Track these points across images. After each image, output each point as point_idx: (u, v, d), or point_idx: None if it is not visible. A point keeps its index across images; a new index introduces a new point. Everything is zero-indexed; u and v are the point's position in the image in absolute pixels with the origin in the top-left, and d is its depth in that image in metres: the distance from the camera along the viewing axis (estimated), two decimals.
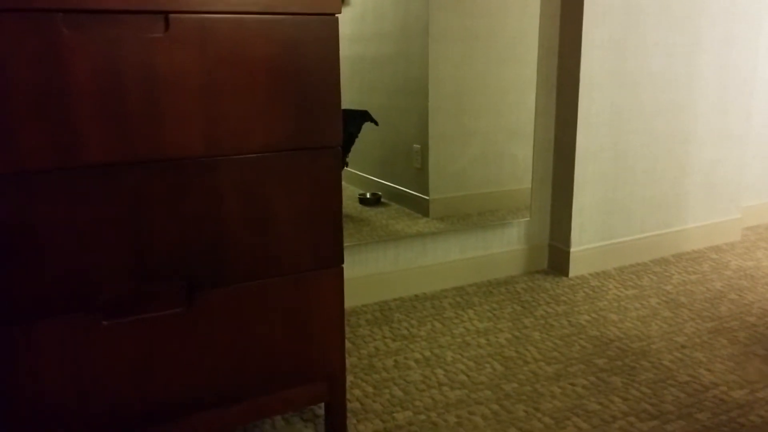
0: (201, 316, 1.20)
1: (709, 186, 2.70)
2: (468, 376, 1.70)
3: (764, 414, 1.52)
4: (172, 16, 1.07)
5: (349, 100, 2.55)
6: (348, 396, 1.59)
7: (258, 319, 1.25)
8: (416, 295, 2.26)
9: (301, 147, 1.23)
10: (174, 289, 1.17)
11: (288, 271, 1.27)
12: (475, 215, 2.53)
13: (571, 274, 2.43)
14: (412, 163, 2.50)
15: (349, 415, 1.51)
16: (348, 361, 1.78)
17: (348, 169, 2.58)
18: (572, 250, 2.42)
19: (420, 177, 2.48)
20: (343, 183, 2.54)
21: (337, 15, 1.21)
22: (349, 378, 1.68)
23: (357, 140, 2.44)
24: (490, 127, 2.51)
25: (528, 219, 2.47)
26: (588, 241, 2.45)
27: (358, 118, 2.41)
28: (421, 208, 2.47)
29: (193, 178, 1.15)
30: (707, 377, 1.69)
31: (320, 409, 1.53)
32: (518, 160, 2.46)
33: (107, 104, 1.06)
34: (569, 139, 2.36)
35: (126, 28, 1.05)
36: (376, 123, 2.41)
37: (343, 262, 1.32)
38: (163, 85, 1.09)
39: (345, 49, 2.63)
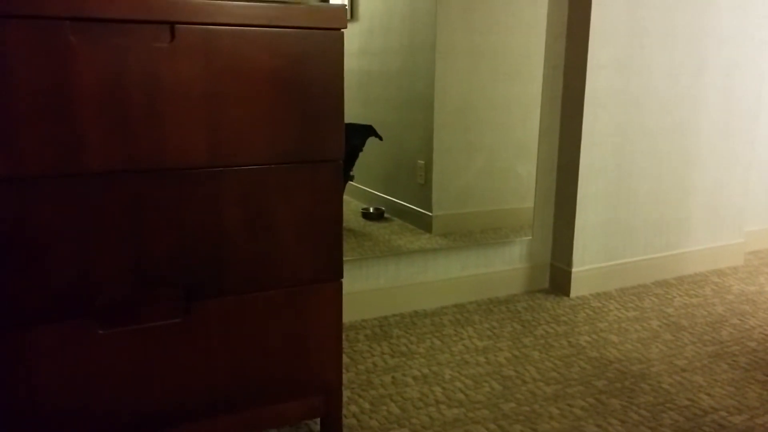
0: (198, 325, 1.20)
1: (712, 209, 2.69)
2: (466, 394, 1.69)
3: None
4: (177, 26, 1.08)
5: (354, 114, 2.56)
6: (344, 412, 1.58)
7: (255, 330, 1.25)
8: (416, 312, 2.24)
9: (303, 160, 1.23)
10: (172, 299, 1.17)
11: (287, 284, 1.26)
12: (478, 232, 2.53)
13: (573, 294, 2.42)
14: (416, 178, 2.50)
15: (345, 430, 1.49)
16: (345, 377, 1.76)
17: (352, 183, 2.58)
18: (574, 270, 2.41)
19: (423, 193, 2.48)
20: (347, 197, 2.55)
21: (342, 30, 1.22)
22: (346, 393, 1.67)
23: (361, 154, 2.45)
24: (495, 143, 2.51)
25: (530, 238, 2.46)
26: (590, 261, 2.44)
27: (363, 132, 2.42)
28: (424, 224, 2.47)
29: (195, 187, 1.16)
30: (707, 401, 1.67)
31: (315, 425, 1.51)
32: (523, 177, 2.47)
33: (111, 111, 1.06)
34: (573, 158, 2.37)
35: (132, 37, 1.05)
36: (380, 137, 2.41)
37: (342, 276, 1.31)
38: (167, 95, 1.09)
39: (352, 64, 2.65)
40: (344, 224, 2.51)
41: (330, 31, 1.21)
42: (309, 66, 1.20)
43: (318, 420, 1.52)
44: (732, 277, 2.66)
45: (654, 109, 2.43)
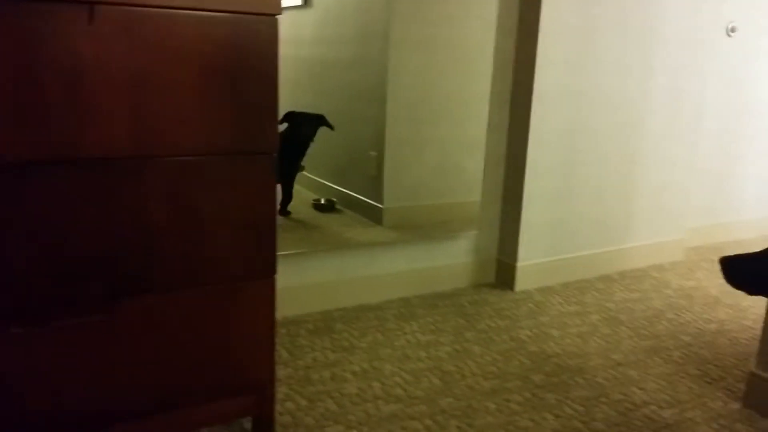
0: (123, 324, 1.15)
1: (655, 207, 2.76)
2: (405, 390, 1.69)
3: None
4: (97, 7, 1.02)
5: (307, 103, 2.52)
6: (280, 409, 1.56)
7: (184, 328, 1.21)
8: (361, 306, 2.23)
9: (234, 152, 1.20)
10: (94, 296, 1.12)
11: (217, 281, 1.23)
12: (429, 226, 2.52)
13: (517, 288, 2.44)
14: (368, 170, 2.48)
15: (279, 429, 1.47)
16: (284, 372, 1.74)
17: (304, 173, 2.54)
18: (519, 264, 2.44)
19: (375, 185, 2.46)
20: (299, 187, 2.51)
21: (277, 15, 1.19)
22: (283, 390, 1.65)
23: (313, 145, 2.41)
24: (448, 137, 2.51)
25: (477, 232, 2.47)
26: (535, 256, 2.47)
27: (314, 121, 2.38)
28: (375, 216, 2.45)
29: (118, 179, 1.11)
30: (639, 396, 1.71)
31: (249, 423, 1.48)
32: (475, 172, 2.47)
33: (25, 97, 1.00)
34: (520, 154, 2.38)
35: (48, 18, 1.00)
36: (331, 127, 2.38)
37: (275, 273, 1.29)
38: (86, 80, 1.04)
39: (305, 52, 2.60)
40: (295, 215, 2.49)
41: (264, 17, 1.17)
42: (241, 53, 1.16)
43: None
44: (671, 272, 2.74)
45: (601, 109, 2.47)
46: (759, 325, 1.75)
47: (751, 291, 1.20)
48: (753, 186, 3.24)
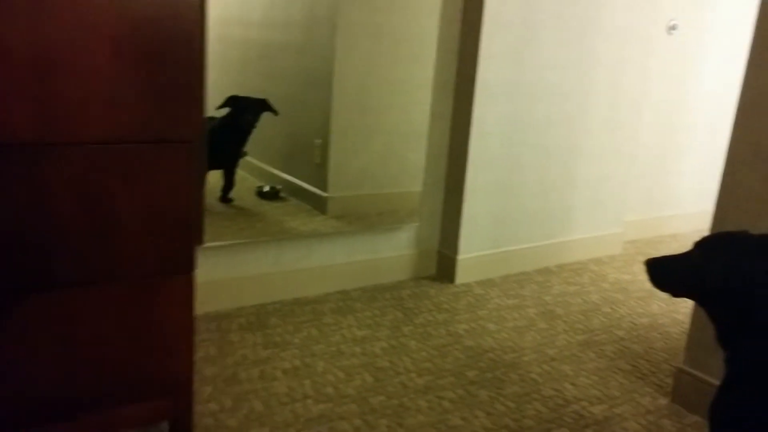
0: (20, 323, 1.07)
1: (595, 200, 2.78)
2: (336, 388, 1.64)
3: (618, 430, 1.55)
4: None
5: (255, 87, 2.42)
6: (202, 410, 1.49)
7: (92, 327, 1.13)
8: (297, 299, 2.17)
9: (152, 140, 1.12)
10: None
11: (129, 277, 1.15)
12: (374, 215, 2.48)
13: (458, 281, 2.43)
14: (313, 157, 2.41)
15: (199, 431, 1.41)
16: (210, 371, 1.67)
17: (249, 159, 2.45)
18: (459, 257, 2.42)
19: (319, 173, 2.39)
20: (242, 173, 2.42)
21: None
22: (208, 390, 1.58)
23: (259, 130, 2.32)
24: (394, 126, 2.46)
25: (418, 224, 2.44)
26: (476, 248, 2.45)
27: (257, 106, 2.29)
28: (320, 205, 2.39)
29: (16, 166, 1.02)
30: (571, 391, 1.71)
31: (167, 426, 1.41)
32: (420, 162, 2.43)
33: None
34: (462, 145, 2.35)
35: None
36: (275, 112, 2.29)
37: (194, 269, 1.22)
38: None
39: (253, 34, 2.50)
40: (238, 203, 2.40)
41: None
42: (160, 33, 1.08)
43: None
44: (609, 265, 2.77)
45: (544, 102, 2.46)
46: (689, 320, 1.78)
47: (674, 293, 1.19)
48: (690, 180, 3.32)
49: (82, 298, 1.11)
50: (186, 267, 1.20)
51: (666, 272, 1.18)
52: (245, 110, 2.27)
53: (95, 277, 1.12)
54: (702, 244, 1.14)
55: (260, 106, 2.29)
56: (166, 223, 1.16)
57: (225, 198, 2.31)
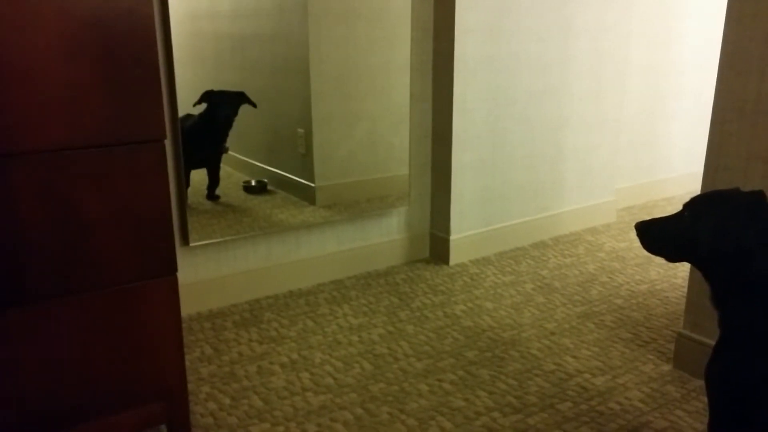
0: (0, 339, 1.04)
1: (584, 170, 2.75)
2: (335, 378, 1.62)
3: (622, 401, 1.54)
4: None
5: (229, 80, 2.37)
6: (201, 410, 1.47)
7: (71, 339, 1.10)
8: (290, 292, 2.15)
9: (114, 142, 1.08)
10: None
11: (107, 284, 1.12)
12: (363, 202, 2.45)
13: (452, 262, 2.40)
14: (297, 148, 2.37)
15: (199, 431, 1.39)
16: (207, 370, 1.64)
17: (233, 153, 2.41)
18: (452, 237, 2.39)
19: (305, 163, 2.36)
20: (228, 169, 2.38)
21: None
22: (206, 389, 1.55)
23: (242, 124, 2.28)
24: (377, 110, 2.42)
25: (407, 207, 2.41)
26: (468, 228, 2.43)
27: (234, 99, 2.25)
28: (308, 195, 2.36)
29: None
30: (572, 364, 1.70)
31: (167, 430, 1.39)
32: (406, 145, 2.40)
33: None
34: (445, 124, 2.32)
35: None
36: (253, 105, 2.25)
37: (176, 270, 1.18)
38: None
39: (224, 27, 2.45)
40: (224, 199, 2.36)
41: None
42: (111, 32, 1.04)
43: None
44: (605, 234, 2.75)
45: (525, 74, 2.42)
46: (687, 284, 1.76)
47: (668, 257, 1.17)
48: (679, 142, 3.29)
49: (61, 309, 1.08)
50: (167, 269, 1.17)
51: (657, 236, 1.15)
52: (222, 104, 2.22)
53: (73, 286, 1.09)
54: (691, 205, 1.12)
55: (238, 98, 2.25)
56: (142, 226, 1.12)
57: (211, 195, 2.27)
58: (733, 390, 1.05)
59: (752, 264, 1.02)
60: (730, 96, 1.48)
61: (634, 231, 1.19)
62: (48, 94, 1.00)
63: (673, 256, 1.16)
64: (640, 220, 1.19)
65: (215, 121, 2.22)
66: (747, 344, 1.05)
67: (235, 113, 2.26)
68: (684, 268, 2.35)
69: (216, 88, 2.22)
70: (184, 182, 1.93)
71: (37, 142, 1.01)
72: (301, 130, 2.34)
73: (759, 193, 1.08)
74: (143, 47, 1.07)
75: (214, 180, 2.28)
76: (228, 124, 2.26)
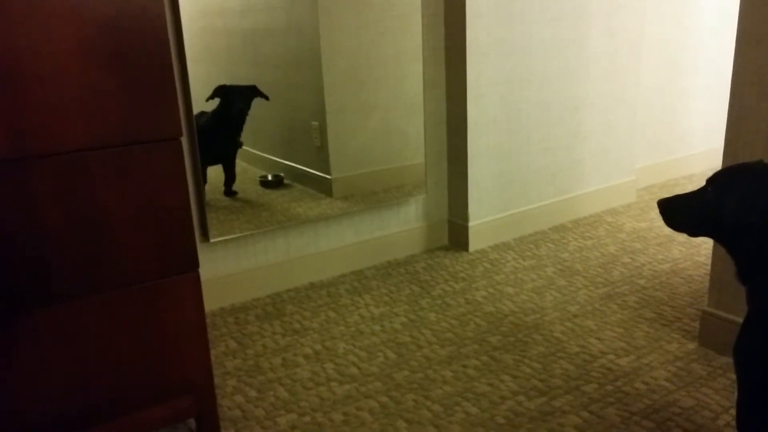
0: (27, 339, 1.06)
1: (603, 151, 2.72)
2: (359, 368, 1.63)
3: (648, 380, 1.53)
4: None
5: (242, 75, 2.38)
6: (228, 403, 1.49)
7: (98, 337, 1.12)
8: (311, 284, 2.16)
9: (132, 141, 1.09)
10: None
11: (131, 282, 1.13)
12: (380, 192, 2.45)
13: (471, 248, 2.40)
14: (312, 140, 2.38)
15: (227, 424, 1.40)
16: (232, 364, 1.66)
17: (248, 149, 2.42)
18: (471, 224, 2.39)
19: (320, 155, 2.36)
20: (244, 164, 2.39)
21: None
22: (232, 383, 1.57)
23: (256, 118, 2.29)
24: (390, 100, 2.42)
25: (425, 195, 2.41)
26: (486, 214, 2.42)
27: (247, 93, 2.25)
28: (324, 188, 2.36)
29: None
30: (596, 346, 1.69)
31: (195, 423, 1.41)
32: (421, 133, 2.39)
33: None
34: (460, 110, 2.31)
35: None
36: (266, 98, 2.25)
37: (198, 266, 1.20)
38: None
39: (236, 22, 2.46)
40: (242, 195, 2.38)
41: None
42: (126, 32, 1.05)
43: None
44: (625, 215, 2.73)
45: (538, 57, 2.40)
46: (710, 261, 1.74)
47: (691, 232, 1.15)
48: (698, 119, 3.24)
49: (87, 308, 1.10)
50: (189, 265, 1.19)
51: (680, 212, 1.14)
52: (235, 99, 2.22)
53: (97, 285, 1.11)
54: (715, 180, 1.10)
55: (250, 92, 2.25)
56: (162, 223, 1.14)
57: (228, 191, 2.28)
58: (762, 366, 1.04)
59: None
60: (749, 68, 1.45)
61: (656, 210, 1.18)
62: (65, 97, 1.02)
63: (696, 231, 1.14)
64: (661, 198, 1.17)
65: (228, 116, 2.23)
66: None
67: (248, 107, 2.26)
68: (707, 246, 2.31)
69: (228, 83, 2.23)
70: (201, 179, 1.95)
71: (56, 145, 1.02)
72: (315, 123, 2.35)
73: (762, 162, 1.06)
74: (156, 46, 1.07)
75: (230, 176, 2.29)
76: (241, 119, 2.27)
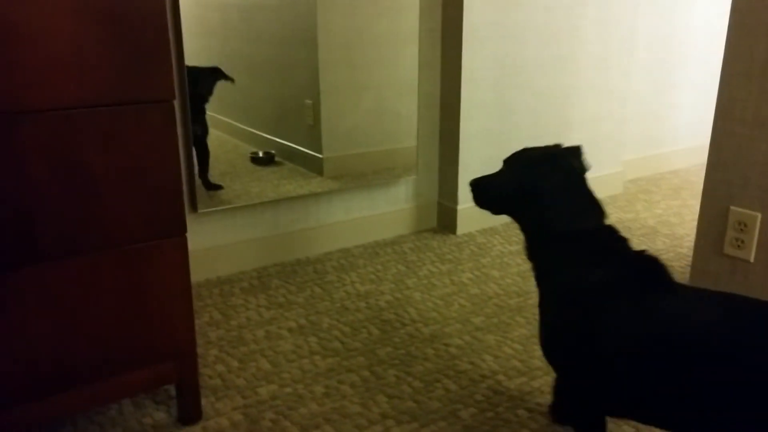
0: (12, 299, 1.05)
1: (591, 141, 2.74)
2: (342, 342, 1.64)
3: None
4: None
5: (236, 51, 2.36)
6: (210, 372, 1.49)
7: (83, 299, 1.12)
8: (298, 260, 2.16)
9: (124, 101, 1.08)
10: None
11: (117, 244, 1.13)
12: (371, 173, 2.45)
13: (459, 231, 2.41)
14: (305, 119, 2.37)
15: (207, 393, 1.41)
16: (215, 334, 1.67)
17: (240, 125, 2.41)
18: (459, 207, 2.40)
19: (313, 134, 2.35)
20: (235, 141, 2.38)
21: None
22: (214, 352, 1.58)
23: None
24: (384, 81, 2.41)
25: (415, 177, 2.41)
26: None
27: (209, 76, 2.09)
28: (315, 166, 2.36)
29: None
30: None
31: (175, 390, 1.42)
32: (413, 116, 2.39)
33: None
34: (454, 93, 2.31)
35: None
36: (231, 80, 2.15)
37: (185, 231, 1.20)
38: None
39: None
40: (232, 170, 2.36)
41: None
42: None
43: None
44: (611, 206, 2.75)
45: (532, 43, 2.40)
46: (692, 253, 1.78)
47: (492, 209, 1.23)
48: (687, 114, 3.26)
49: (72, 269, 1.10)
50: (176, 230, 1.19)
51: (483, 190, 1.23)
52: (197, 82, 2.00)
53: (83, 246, 1.10)
54: (507, 160, 1.21)
55: (213, 75, 2.09)
56: (151, 185, 1.13)
57: (207, 183, 2.08)
58: (566, 354, 1.07)
59: (547, 204, 1.10)
60: (738, 59, 1.47)
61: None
62: (56, 53, 1.01)
63: (494, 207, 1.22)
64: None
65: (191, 99, 1.96)
66: (555, 298, 1.08)
67: (211, 91, 2.08)
68: (690, 238, 2.34)
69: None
70: (192, 149, 1.93)
71: (45, 101, 1.01)
72: (308, 101, 2.33)
73: (557, 146, 1.21)
74: (153, 7, 1.06)
75: (203, 161, 2.08)
76: (203, 103, 2.05)
